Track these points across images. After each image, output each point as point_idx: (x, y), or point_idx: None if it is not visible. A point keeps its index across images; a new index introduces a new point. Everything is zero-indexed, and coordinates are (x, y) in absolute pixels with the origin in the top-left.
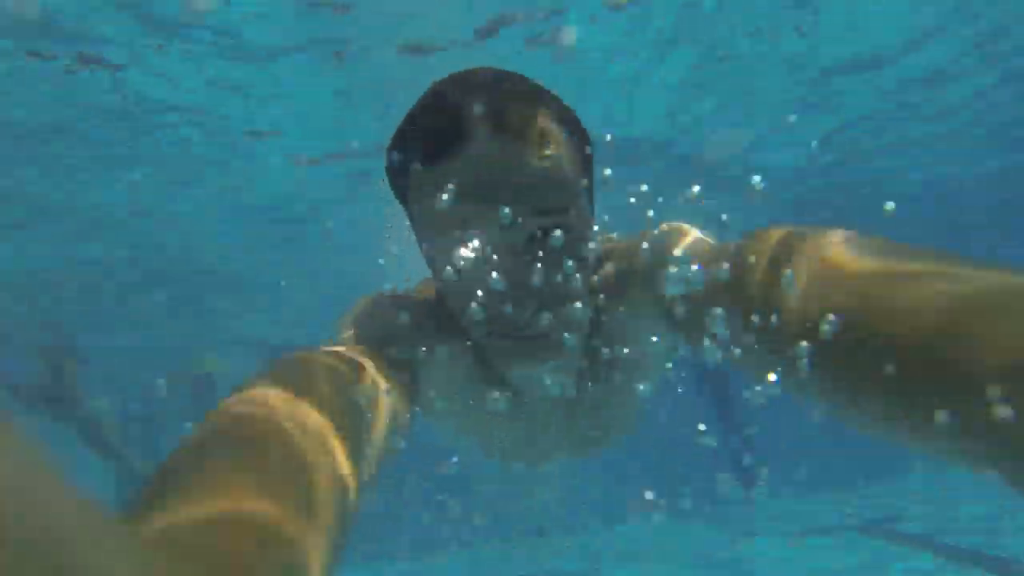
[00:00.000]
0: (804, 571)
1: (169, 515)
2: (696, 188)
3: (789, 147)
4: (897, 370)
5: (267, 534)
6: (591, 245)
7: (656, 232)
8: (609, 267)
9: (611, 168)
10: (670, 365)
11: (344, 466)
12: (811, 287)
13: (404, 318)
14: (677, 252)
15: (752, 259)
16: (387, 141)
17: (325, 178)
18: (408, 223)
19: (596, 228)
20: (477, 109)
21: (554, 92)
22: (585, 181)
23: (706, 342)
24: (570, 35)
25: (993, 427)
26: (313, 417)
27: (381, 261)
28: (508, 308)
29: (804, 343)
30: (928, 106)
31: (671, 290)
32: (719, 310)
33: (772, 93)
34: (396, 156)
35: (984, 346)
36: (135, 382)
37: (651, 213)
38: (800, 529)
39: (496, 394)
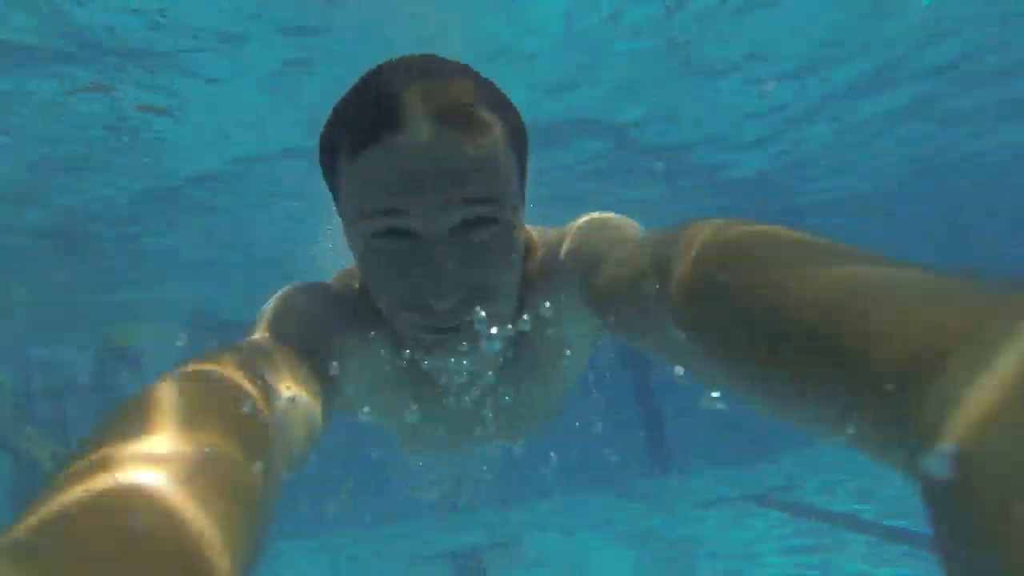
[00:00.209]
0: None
1: (58, 513)
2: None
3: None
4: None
5: (165, 529)
6: (519, 238)
7: (582, 222)
8: (535, 258)
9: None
10: (591, 351)
11: (256, 462)
12: (731, 282)
13: (326, 309)
14: (602, 244)
15: (669, 252)
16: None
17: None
18: (336, 209)
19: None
20: (411, 95)
21: (492, 81)
22: (518, 172)
23: (626, 334)
24: None
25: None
26: (225, 412)
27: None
28: (432, 299)
29: (723, 336)
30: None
31: (597, 282)
32: (646, 303)
33: None
34: (328, 138)
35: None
36: (41, 353)
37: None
38: (704, 501)
39: (419, 385)
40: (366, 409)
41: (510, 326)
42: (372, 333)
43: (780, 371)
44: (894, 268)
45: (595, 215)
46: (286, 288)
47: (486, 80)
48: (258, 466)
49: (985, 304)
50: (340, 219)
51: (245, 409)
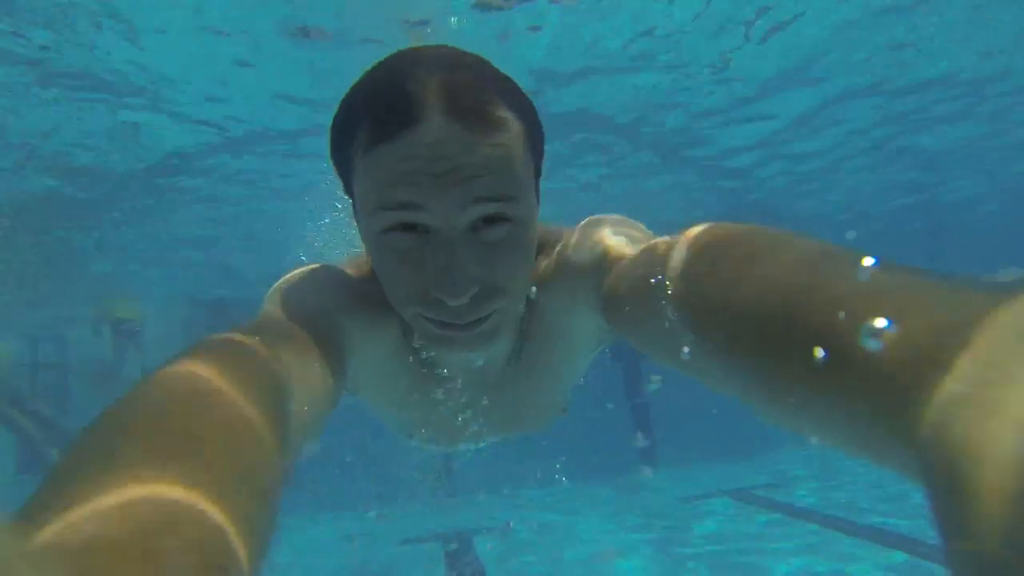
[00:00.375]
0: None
1: (74, 509)
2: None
3: None
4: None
5: (182, 521)
6: (533, 237)
7: (590, 223)
8: (544, 257)
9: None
10: (598, 351)
11: (268, 448)
12: (739, 286)
13: (336, 294)
14: (611, 244)
15: (688, 256)
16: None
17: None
18: (349, 199)
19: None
20: (428, 89)
21: (510, 77)
22: (534, 172)
23: (633, 336)
24: None
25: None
26: (236, 398)
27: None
28: (444, 296)
29: (730, 339)
30: None
31: (605, 282)
32: (654, 305)
33: None
34: (340, 130)
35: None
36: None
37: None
38: (685, 495)
39: (424, 376)
40: (370, 395)
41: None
42: (382, 321)
43: (781, 373)
44: (894, 270)
45: (603, 216)
46: (297, 269)
47: (504, 76)
48: (273, 449)
49: (986, 303)
50: (352, 208)
51: (260, 391)
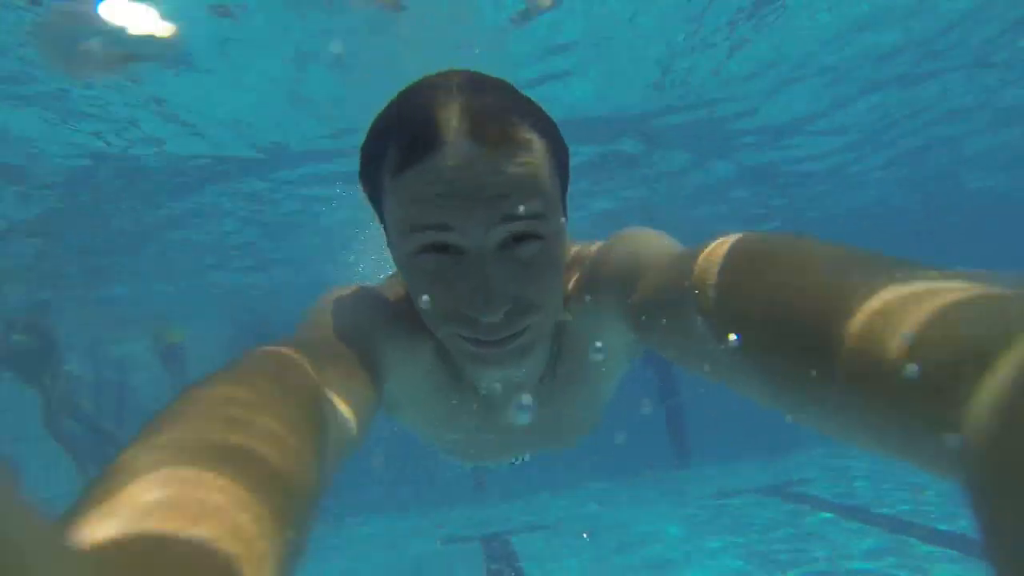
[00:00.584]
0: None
1: (115, 513)
2: None
3: None
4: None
5: (218, 533)
6: (562, 253)
7: (619, 237)
8: (574, 273)
9: None
10: (630, 364)
11: (306, 461)
12: (769, 295)
13: (374, 314)
14: (639, 257)
15: (716, 267)
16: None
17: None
18: (380, 225)
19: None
20: (453, 113)
21: (535, 101)
22: (560, 189)
23: (665, 349)
24: None
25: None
26: (277, 411)
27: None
28: (477, 315)
29: (762, 349)
30: None
31: (635, 296)
32: (684, 317)
33: None
34: (369, 155)
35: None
36: (108, 348)
37: None
38: (716, 492)
39: (460, 396)
40: (406, 414)
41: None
42: (417, 341)
43: (817, 381)
44: (930, 274)
45: (632, 230)
46: (334, 289)
47: (525, 96)
48: (311, 463)
49: (1022, 298)
50: (383, 232)
51: (300, 405)
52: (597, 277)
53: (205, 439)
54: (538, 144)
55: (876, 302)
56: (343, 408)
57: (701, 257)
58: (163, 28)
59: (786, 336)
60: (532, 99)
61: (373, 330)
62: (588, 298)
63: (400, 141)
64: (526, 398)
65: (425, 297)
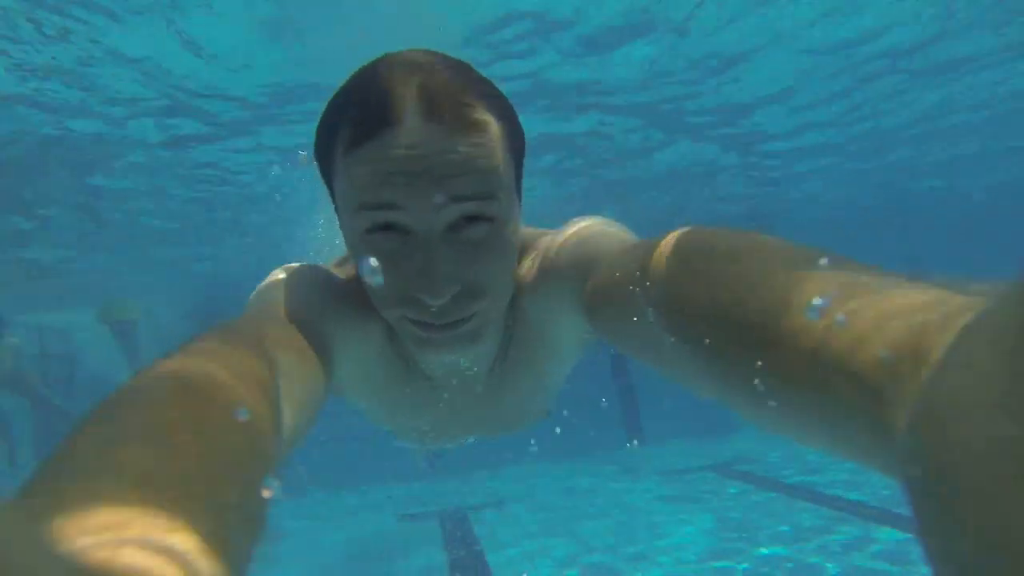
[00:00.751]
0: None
1: (68, 496)
2: None
3: None
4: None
5: (170, 511)
6: (514, 237)
7: (576, 227)
8: (527, 260)
9: None
10: (581, 353)
11: (260, 441)
12: (714, 288)
13: (324, 294)
14: (594, 247)
15: (665, 259)
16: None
17: None
18: (333, 203)
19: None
20: (407, 91)
21: (490, 80)
22: (514, 173)
23: (616, 339)
24: None
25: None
26: (229, 392)
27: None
28: (424, 296)
29: (705, 342)
30: None
31: (589, 285)
32: (634, 308)
33: None
34: (324, 134)
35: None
36: (55, 320)
37: None
38: (665, 470)
39: (408, 379)
40: (356, 396)
41: (502, 323)
42: (366, 322)
43: (759, 375)
44: (870, 270)
45: (589, 220)
46: (283, 268)
47: (483, 78)
48: (265, 443)
49: (966, 303)
50: (335, 212)
51: (252, 386)
52: (552, 265)
53: (158, 424)
54: (494, 126)
55: (818, 299)
56: (295, 390)
57: (654, 249)
58: None
59: (730, 331)
60: (490, 80)
61: (324, 310)
62: (542, 285)
63: (353, 118)
64: (475, 383)
65: (373, 278)
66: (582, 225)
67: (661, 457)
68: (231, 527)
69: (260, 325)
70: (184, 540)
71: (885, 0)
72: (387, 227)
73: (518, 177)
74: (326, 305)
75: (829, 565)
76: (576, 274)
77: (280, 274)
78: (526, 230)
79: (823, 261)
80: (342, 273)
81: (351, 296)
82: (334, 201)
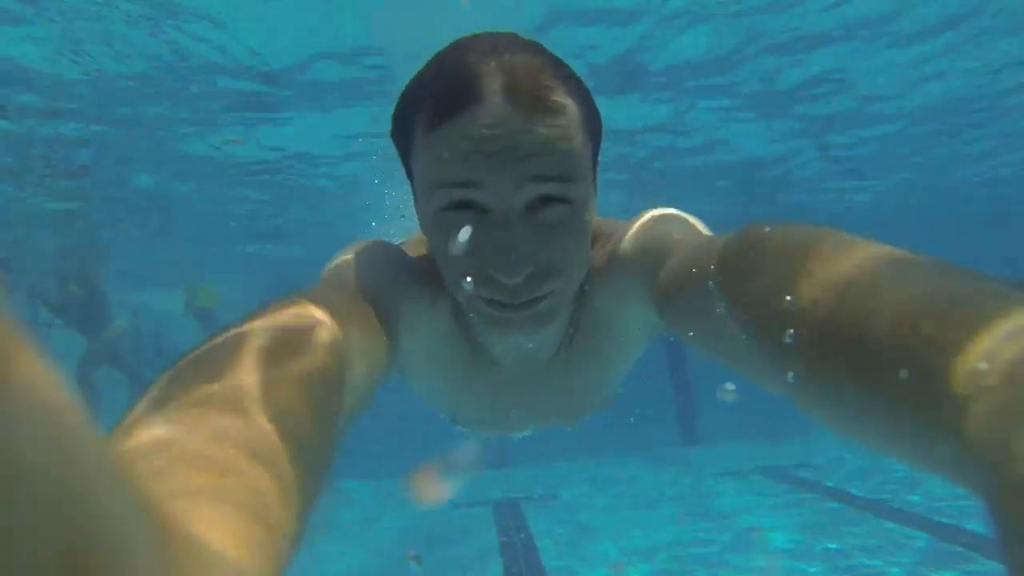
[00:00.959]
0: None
1: (146, 444)
2: None
3: None
4: (862, 371)
5: (239, 470)
6: (590, 221)
7: (649, 216)
8: (600, 247)
9: None
10: (648, 343)
11: (324, 412)
12: (794, 286)
13: (395, 272)
14: (667, 239)
15: (741, 254)
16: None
17: None
18: (408, 180)
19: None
20: (489, 72)
21: (570, 66)
22: (591, 156)
23: (687, 333)
24: None
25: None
26: (298, 360)
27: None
28: (499, 275)
29: (783, 339)
30: None
31: (660, 276)
32: (707, 301)
33: None
34: (404, 111)
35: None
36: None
37: None
38: (725, 471)
39: (473, 361)
40: (419, 375)
41: (572, 308)
42: (435, 301)
43: (834, 378)
44: (958, 274)
45: (663, 210)
46: (356, 243)
47: (561, 61)
48: (329, 414)
49: None
50: (412, 190)
51: (319, 356)
52: (624, 254)
53: (226, 391)
54: (573, 109)
55: (899, 303)
56: (359, 366)
57: (729, 243)
58: None
59: (802, 329)
60: (568, 65)
61: (394, 287)
62: (612, 273)
63: (435, 97)
64: (539, 368)
65: (446, 255)
66: (655, 215)
67: (720, 458)
68: (301, 474)
69: (329, 300)
70: (258, 490)
71: None
72: (464, 205)
73: (595, 161)
74: (397, 280)
75: None
76: (648, 264)
77: (355, 247)
78: (598, 219)
79: (903, 260)
80: (413, 250)
81: (422, 273)
82: (411, 182)
